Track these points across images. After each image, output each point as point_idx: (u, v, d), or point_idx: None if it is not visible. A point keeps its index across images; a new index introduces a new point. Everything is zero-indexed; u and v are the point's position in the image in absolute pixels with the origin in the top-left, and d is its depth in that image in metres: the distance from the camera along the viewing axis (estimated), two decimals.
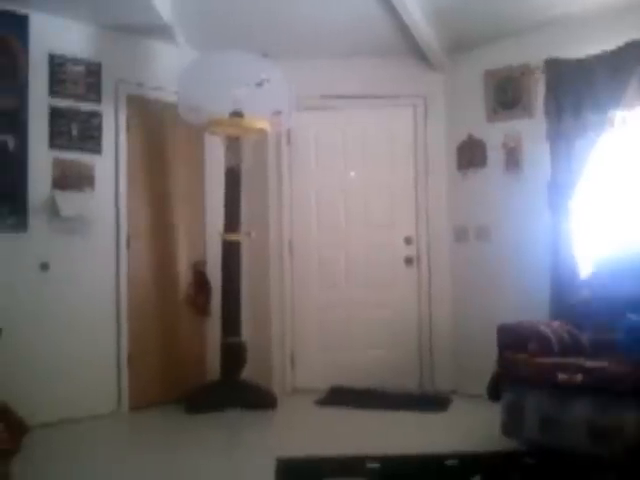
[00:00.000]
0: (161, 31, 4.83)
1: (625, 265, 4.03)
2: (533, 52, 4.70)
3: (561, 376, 3.32)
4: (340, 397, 5.00)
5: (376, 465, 3.41)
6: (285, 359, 5.31)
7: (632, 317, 3.36)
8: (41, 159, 4.42)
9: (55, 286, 4.43)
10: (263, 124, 4.75)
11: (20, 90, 4.33)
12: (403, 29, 4.85)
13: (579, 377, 3.26)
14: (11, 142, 4.29)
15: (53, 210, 4.42)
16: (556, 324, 3.87)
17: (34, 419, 3.14)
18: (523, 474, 3.24)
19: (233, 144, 4.86)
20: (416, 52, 5.15)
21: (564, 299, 4.27)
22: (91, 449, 3.89)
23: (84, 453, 3.79)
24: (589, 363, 3.32)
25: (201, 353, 5.14)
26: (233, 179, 4.87)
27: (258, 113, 4.70)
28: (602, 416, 3.15)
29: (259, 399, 4.76)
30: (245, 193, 5.01)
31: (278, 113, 4.79)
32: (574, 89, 4.44)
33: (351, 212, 5.41)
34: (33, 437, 2.83)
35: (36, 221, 4.36)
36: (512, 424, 3.56)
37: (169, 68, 4.92)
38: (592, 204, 4.48)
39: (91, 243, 4.64)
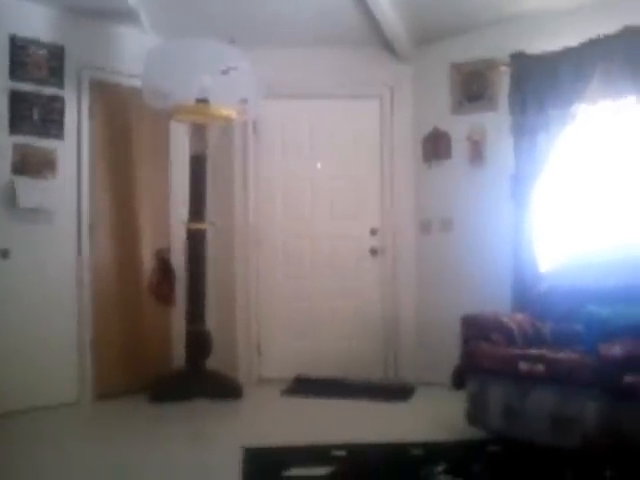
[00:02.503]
0: (126, 16, 4.74)
1: (586, 257, 4.14)
2: (499, 46, 4.74)
3: (523, 366, 3.39)
4: (305, 386, 5.02)
5: (341, 453, 3.45)
6: (251, 348, 5.30)
7: (592, 309, 3.45)
8: (1, 144, 4.31)
9: (15, 274, 4.34)
10: (229, 112, 4.71)
11: None
12: (371, 19, 4.85)
13: (540, 367, 3.33)
14: None
15: (12, 199, 4.33)
16: (518, 315, 3.96)
17: None
18: (486, 463, 3.31)
19: (198, 131, 4.82)
20: (383, 43, 5.16)
21: (526, 290, 4.36)
22: (52, 439, 3.84)
23: (45, 443, 3.74)
24: (550, 354, 3.40)
25: (166, 342, 5.10)
26: (198, 167, 4.83)
27: (224, 101, 4.65)
28: (563, 406, 3.23)
29: (224, 389, 4.75)
30: (210, 181, 4.97)
31: (244, 101, 4.75)
32: (538, 84, 4.50)
33: (317, 202, 5.41)
34: None
35: None
36: (476, 413, 3.63)
37: (134, 53, 4.83)
38: (554, 197, 4.57)
39: (53, 230, 4.56)
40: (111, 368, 4.73)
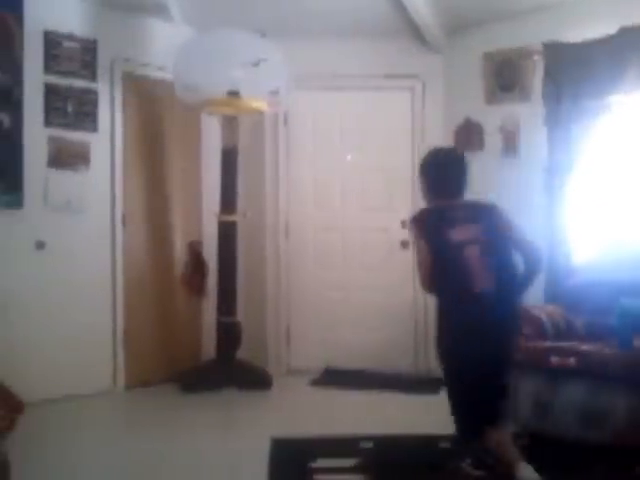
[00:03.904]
0: (157, 8, 4.79)
1: (621, 250, 4.06)
2: (533, 35, 4.66)
3: (554, 360, 3.35)
4: (335, 378, 5.02)
5: (370, 445, 3.45)
6: (280, 339, 5.32)
7: (626, 302, 3.38)
8: (36, 137, 4.39)
9: (51, 265, 4.42)
10: (260, 104, 4.72)
11: (15, 67, 4.28)
12: (402, 9, 4.81)
13: (572, 361, 3.28)
14: (6, 120, 4.25)
15: (48, 192, 4.44)
16: (550, 308, 3.90)
17: (29, 397, 3.14)
18: None
19: (230, 124, 4.83)
20: (414, 33, 5.11)
21: (559, 283, 4.29)
22: (86, 428, 3.92)
23: (79, 432, 3.82)
24: (582, 347, 3.35)
25: (197, 332, 5.15)
26: (229, 159, 4.85)
27: (255, 93, 4.66)
28: (594, 401, 3.18)
29: (254, 379, 4.78)
30: (242, 174, 4.98)
31: (275, 93, 4.75)
32: (573, 73, 4.42)
33: (348, 194, 5.40)
34: (28, 415, 2.84)
35: (31, 199, 4.34)
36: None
37: (165, 46, 4.87)
38: (588, 189, 4.48)
39: (87, 222, 4.63)
40: (143, 358, 4.80)
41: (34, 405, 3.95)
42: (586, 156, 4.39)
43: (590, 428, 3.17)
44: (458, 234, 2.66)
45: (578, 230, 4.49)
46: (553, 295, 4.27)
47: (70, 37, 4.55)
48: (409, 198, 5.29)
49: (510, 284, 2.68)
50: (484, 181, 4.95)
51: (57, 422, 3.93)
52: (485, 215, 2.77)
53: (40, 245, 4.38)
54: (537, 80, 4.66)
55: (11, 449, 2.75)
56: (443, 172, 2.87)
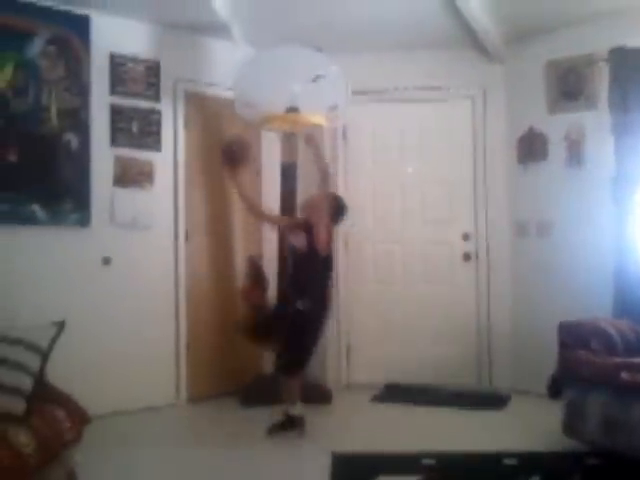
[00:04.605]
0: (218, 29, 4.88)
1: None
2: (597, 41, 4.55)
3: (625, 376, 3.22)
4: (395, 393, 4.96)
5: (432, 462, 3.38)
6: (340, 354, 5.30)
7: None
8: (103, 156, 4.53)
9: (116, 280, 4.53)
10: (319, 119, 4.72)
11: (82, 89, 4.43)
12: (461, 20, 4.76)
13: None
14: (74, 141, 4.40)
15: (114, 209, 4.56)
16: (620, 322, 3.76)
17: (94, 410, 3.21)
18: (584, 475, 3.16)
19: (289, 140, 4.88)
20: (475, 43, 5.06)
21: (629, 297, 4.14)
22: (149, 439, 3.98)
23: (142, 443, 3.88)
24: None
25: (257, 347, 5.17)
26: (289, 174, 4.89)
27: (314, 108, 4.68)
28: None
29: (314, 394, 4.74)
30: (301, 188, 5.01)
31: (334, 108, 4.76)
32: None
33: (408, 207, 5.35)
34: (93, 428, 2.91)
35: (98, 217, 4.47)
36: (573, 424, 3.48)
37: (226, 65, 4.96)
38: None
39: (151, 238, 4.74)
40: (205, 371, 4.87)
41: (99, 418, 4.04)
42: None
43: None
44: None
45: None
46: (623, 309, 4.12)
47: (134, 59, 4.70)
48: (471, 210, 5.23)
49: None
50: (548, 191, 4.88)
51: (121, 434, 4.01)
52: None
53: (106, 261, 4.51)
54: (603, 87, 4.53)
55: (77, 459, 2.82)
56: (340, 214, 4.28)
